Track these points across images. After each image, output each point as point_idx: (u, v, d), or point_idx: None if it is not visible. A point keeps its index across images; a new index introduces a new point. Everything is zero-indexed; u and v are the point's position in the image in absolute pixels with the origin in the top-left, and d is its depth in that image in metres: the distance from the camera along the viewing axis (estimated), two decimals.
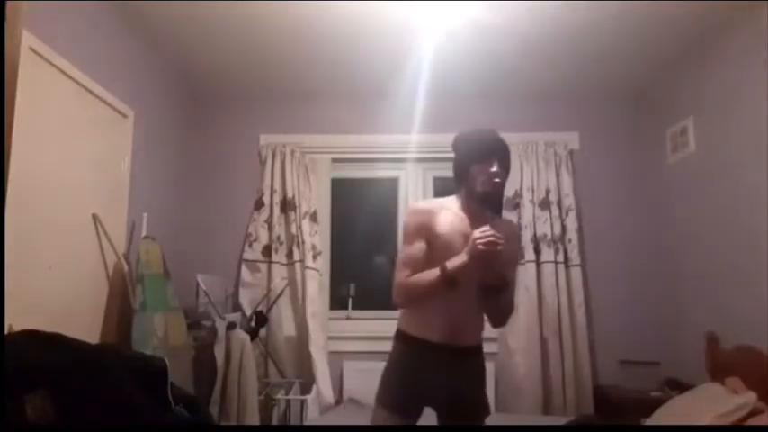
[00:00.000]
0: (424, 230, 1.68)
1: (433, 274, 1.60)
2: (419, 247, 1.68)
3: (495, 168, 1.65)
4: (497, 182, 1.67)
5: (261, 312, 3.12)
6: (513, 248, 1.77)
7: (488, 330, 3.57)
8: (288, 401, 3.09)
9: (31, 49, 1.93)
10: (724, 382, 2.37)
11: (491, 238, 1.51)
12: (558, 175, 3.46)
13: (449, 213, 1.71)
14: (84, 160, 2.34)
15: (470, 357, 1.75)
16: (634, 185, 3.56)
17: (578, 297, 3.33)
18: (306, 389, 3.16)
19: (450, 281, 1.57)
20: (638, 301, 3.43)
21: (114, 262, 2.52)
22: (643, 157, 3.55)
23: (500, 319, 1.78)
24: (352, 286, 3.67)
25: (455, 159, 1.78)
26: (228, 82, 3.55)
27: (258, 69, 3.33)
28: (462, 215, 1.71)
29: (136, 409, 1.48)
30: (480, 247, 1.52)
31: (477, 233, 1.54)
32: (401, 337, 1.76)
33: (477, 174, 1.67)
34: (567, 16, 2.63)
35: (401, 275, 1.67)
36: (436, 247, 1.66)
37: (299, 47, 3.01)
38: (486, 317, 1.79)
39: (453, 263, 1.57)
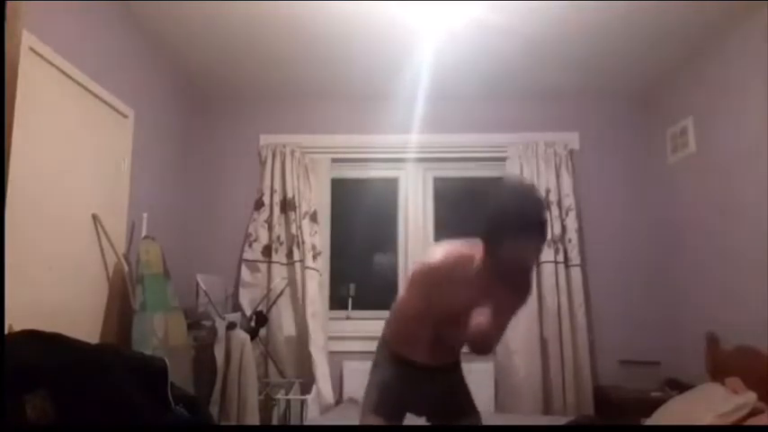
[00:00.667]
0: (428, 287, 1.63)
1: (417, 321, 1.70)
2: (417, 303, 1.68)
3: (531, 251, 1.46)
4: (530, 264, 1.55)
5: (261, 312, 3.12)
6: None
7: None
8: (288, 401, 3.09)
9: (31, 49, 1.92)
10: (724, 382, 2.37)
11: (484, 343, 1.53)
12: (558, 175, 3.46)
13: (461, 276, 1.56)
14: (84, 160, 2.34)
15: (448, 372, 1.83)
16: (634, 185, 3.56)
17: (578, 297, 3.33)
18: (306, 389, 3.16)
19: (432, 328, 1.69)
20: (638, 301, 3.43)
21: (114, 262, 2.52)
22: (643, 157, 3.55)
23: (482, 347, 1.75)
24: (352, 286, 3.67)
25: (488, 217, 1.49)
26: (228, 82, 3.55)
27: (258, 69, 3.33)
28: (475, 281, 1.55)
29: (136, 409, 1.48)
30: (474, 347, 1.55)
31: (473, 327, 1.49)
32: (385, 344, 1.83)
33: (511, 251, 1.43)
34: (567, 17, 2.63)
35: (392, 325, 1.80)
36: (435, 299, 1.62)
37: (300, 47, 3.00)
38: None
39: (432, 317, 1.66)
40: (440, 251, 1.63)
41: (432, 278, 1.62)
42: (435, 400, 1.79)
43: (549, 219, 1.67)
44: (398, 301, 1.78)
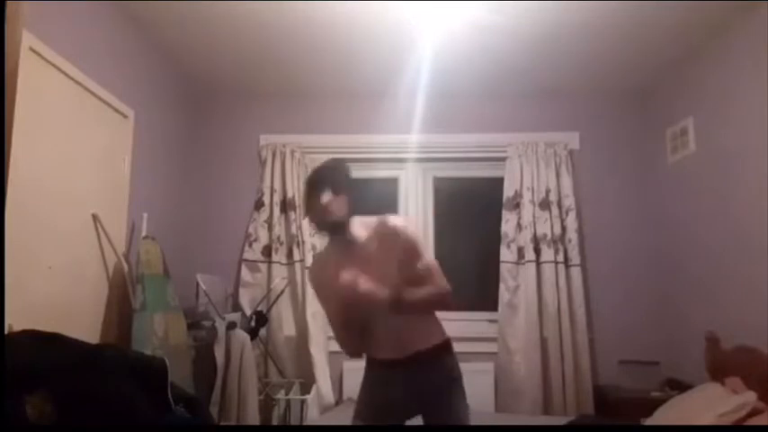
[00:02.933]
0: (321, 292, 1.81)
1: (341, 325, 1.71)
2: (328, 309, 1.78)
3: (319, 200, 1.64)
4: (319, 208, 1.65)
5: (261, 312, 3.12)
6: (398, 246, 1.70)
7: (488, 330, 3.56)
8: (288, 401, 3.09)
9: (31, 49, 1.92)
10: (724, 382, 2.37)
11: (351, 290, 1.55)
12: (558, 175, 3.46)
13: (328, 264, 1.74)
14: (84, 160, 2.34)
15: (425, 363, 1.70)
16: (634, 185, 3.56)
17: (578, 297, 3.33)
18: (306, 389, 3.16)
19: (349, 323, 1.68)
20: (638, 302, 3.42)
21: (114, 262, 2.52)
22: (643, 157, 3.55)
23: (437, 307, 1.78)
24: None
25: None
26: (228, 82, 3.55)
27: (258, 69, 3.33)
28: (335, 258, 1.72)
29: (136, 409, 1.48)
30: (347, 300, 1.57)
31: (341, 282, 1.57)
32: (366, 359, 1.83)
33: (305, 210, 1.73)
34: (567, 16, 2.63)
35: (334, 333, 1.79)
36: (330, 294, 1.70)
37: (299, 47, 3.00)
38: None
39: (341, 315, 1.67)
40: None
41: (314, 282, 1.85)
42: (417, 400, 1.69)
43: (326, 169, 1.79)
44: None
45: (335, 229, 1.70)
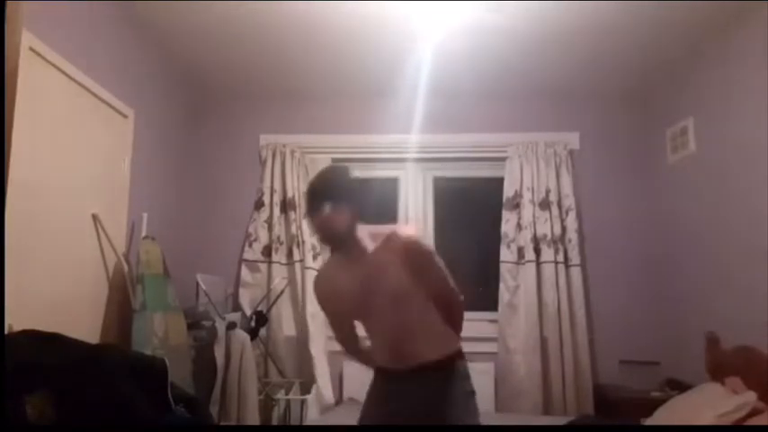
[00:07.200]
0: (328, 305, 1.80)
1: (363, 356, 1.84)
2: (332, 316, 1.84)
3: (319, 213, 1.58)
4: (318, 222, 1.59)
5: (261, 312, 3.12)
6: (409, 260, 1.60)
7: (488, 330, 3.57)
8: (288, 401, 3.09)
9: (31, 49, 1.92)
10: (724, 382, 2.37)
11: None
12: (558, 175, 3.46)
13: (335, 278, 1.70)
14: (84, 160, 2.34)
15: (427, 377, 1.62)
16: (634, 186, 3.56)
17: (578, 297, 3.33)
18: (306, 389, 3.16)
19: (350, 338, 1.88)
20: (638, 302, 3.43)
21: (114, 262, 2.52)
22: (643, 157, 3.55)
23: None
24: None
25: None
26: (229, 82, 3.55)
27: (258, 69, 3.33)
28: (343, 272, 1.67)
29: (136, 410, 1.48)
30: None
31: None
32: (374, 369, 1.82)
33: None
34: (567, 16, 2.63)
35: (335, 336, 1.92)
36: (341, 312, 1.78)
37: (299, 47, 3.00)
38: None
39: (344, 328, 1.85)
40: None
41: (320, 293, 1.77)
42: (416, 413, 1.58)
43: (321, 182, 1.72)
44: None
45: (339, 242, 1.64)
